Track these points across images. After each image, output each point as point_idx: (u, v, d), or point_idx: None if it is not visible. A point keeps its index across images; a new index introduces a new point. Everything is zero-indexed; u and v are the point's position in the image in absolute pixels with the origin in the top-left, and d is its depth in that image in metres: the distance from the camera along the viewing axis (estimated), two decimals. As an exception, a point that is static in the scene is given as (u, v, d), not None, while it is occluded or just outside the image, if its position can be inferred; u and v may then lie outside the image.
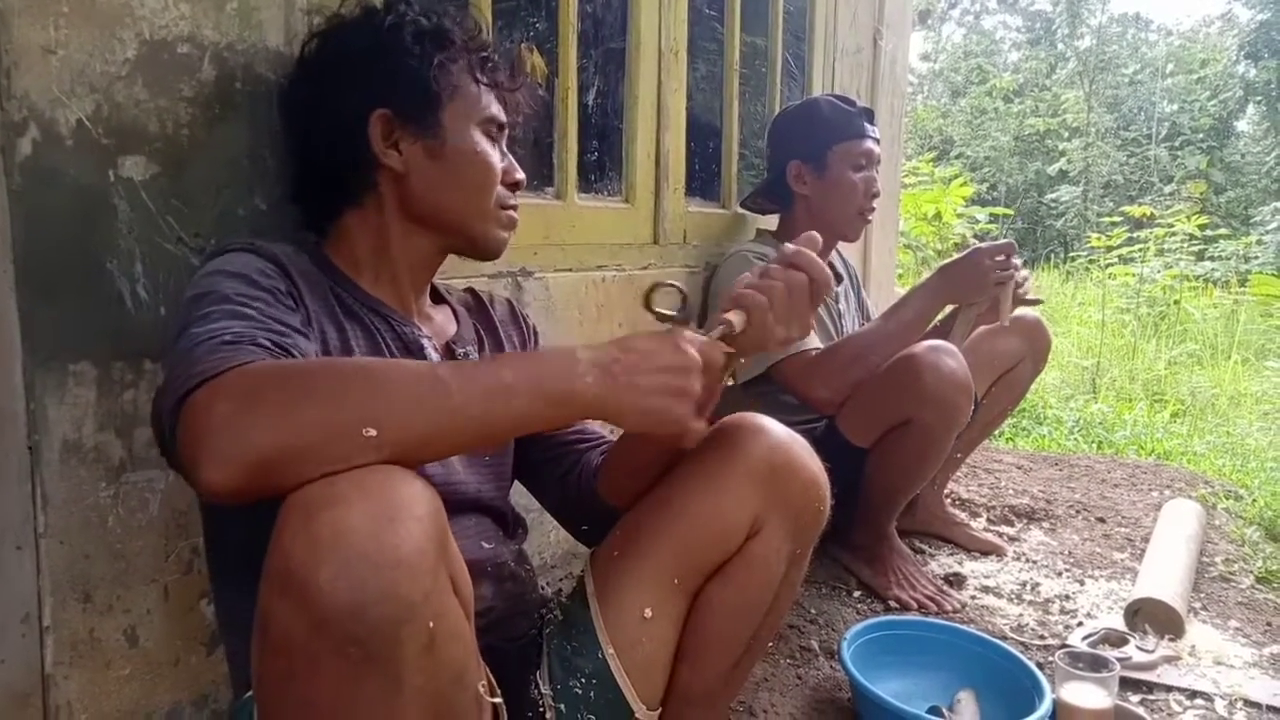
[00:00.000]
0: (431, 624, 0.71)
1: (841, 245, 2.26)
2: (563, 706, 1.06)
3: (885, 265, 3.40)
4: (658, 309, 0.93)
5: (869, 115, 2.13)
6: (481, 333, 1.23)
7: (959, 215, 7.34)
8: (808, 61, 2.87)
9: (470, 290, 1.32)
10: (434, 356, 1.11)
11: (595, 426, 1.26)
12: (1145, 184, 16.45)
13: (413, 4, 1.10)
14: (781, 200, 2.20)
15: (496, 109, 1.12)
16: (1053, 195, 17.28)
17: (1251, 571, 2.22)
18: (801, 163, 2.11)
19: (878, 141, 2.14)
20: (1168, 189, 14.64)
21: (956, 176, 8.49)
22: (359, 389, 0.73)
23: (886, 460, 1.92)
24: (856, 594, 2.02)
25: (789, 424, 2.01)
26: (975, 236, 8.16)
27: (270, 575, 0.68)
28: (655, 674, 1.08)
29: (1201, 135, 16.26)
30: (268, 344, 0.82)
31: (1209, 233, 8.01)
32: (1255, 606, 2.04)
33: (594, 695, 1.05)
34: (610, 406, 0.81)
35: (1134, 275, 6.98)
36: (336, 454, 0.71)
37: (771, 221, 2.30)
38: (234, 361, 0.75)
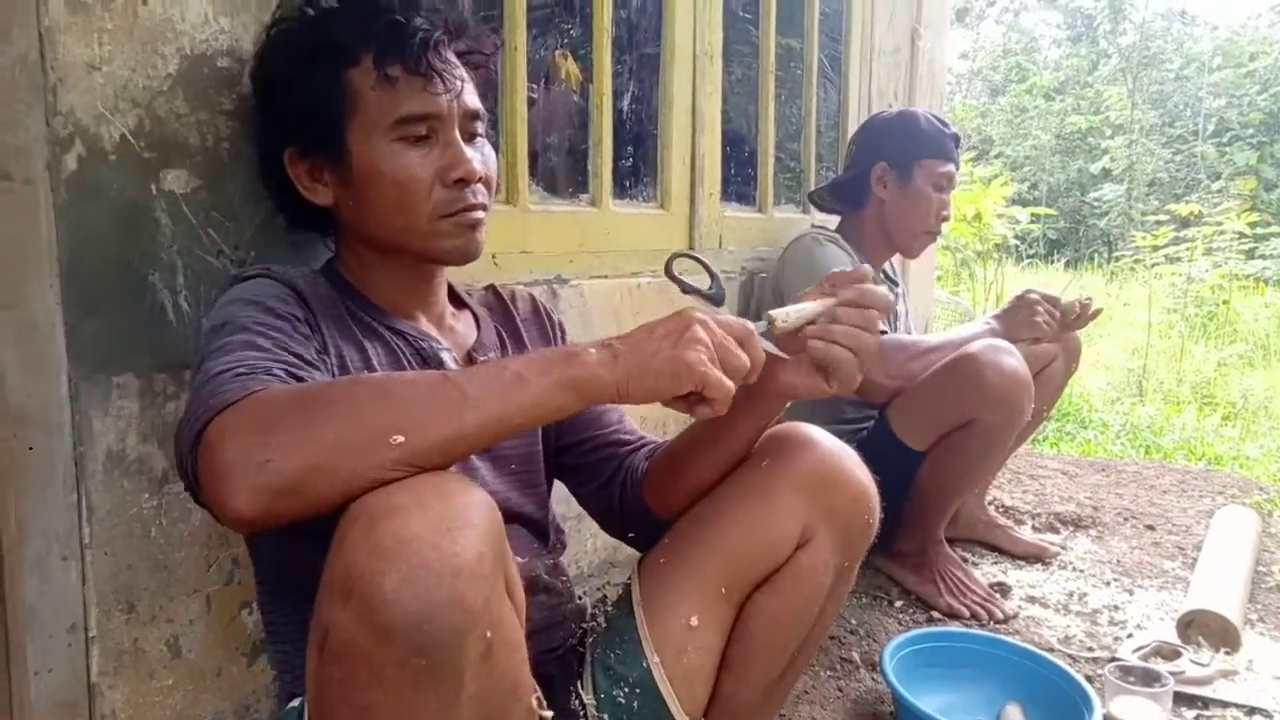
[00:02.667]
0: (489, 633, 0.71)
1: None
2: (605, 716, 1.05)
3: (925, 267, 3.35)
4: (677, 276, 0.90)
5: (956, 140, 2.16)
6: (504, 335, 1.20)
7: (1000, 215, 7.23)
8: (844, 63, 2.84)
9: (492, 288, 1.28)
10: (452, 366, 1.08)
11: (631, 424, 1.24)
12: (1192, 181, 16.08)
13: (304, 11, 1.05)
14: (855, 200, 2.19)
15: (415, 102, 0.98)
16: (1096, 194, 16.95)
17: (1311, 582, 2.15)
18: (888, 167, 2.11)
19: (959, 167, 2.15)
20: (1215, 186, 14.29)
21: (997, 176, 8.37)
22: (374, 401, 0.73)
23: (945, 462, 1.90)
24: (899, 604, 1.99)
25: (838, 420, 2.06)
26: (1016, 237, 8.03)
27: (332, 585, 0.68)
28: (699, 684, 1.06)
29: (1251, 130, 15.86)
30: (281, 373, 0.82)
31: (1260, 230, 7.80)
32: (1315, 619, 1.97)
33: (637, 705, 1.04)
34: (620, 376, 0.80)
35: (1181, 275, 6.83)
36: (360, 469, 0.71)
37: (825, 223, 2.29)
38: (245, 391, 0.75)
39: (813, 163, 2.72)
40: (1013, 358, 1.81)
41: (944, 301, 4.95)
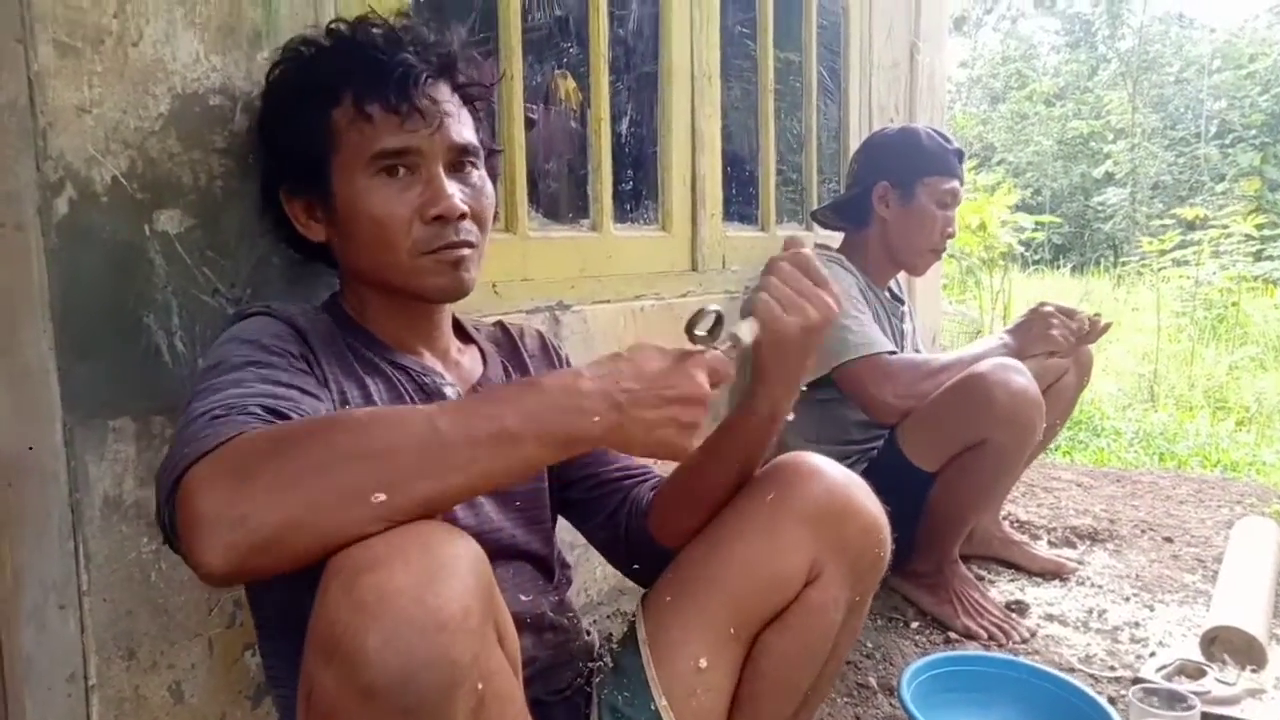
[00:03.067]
0: (480, 685, 0.68)
1: None
2: None
3: (931, 280, 3.33)
4: (697, 331, 0.88)
5: (960, 156, 2.14)
6: (510, 371, 1.18)
7: (1004, 223, 7.21)
8: (843, 77, 2.83)
9: (500, 324, 1.26)
10: (454, 397, 1.06)
11: (638, 461, 1.21)
12: (1196, 184, 16.04)
13: (314, 46, 1.04)
14: (857, 218, 2.18)
15: (387, 138, 0.97)
16: (1099, 198, 16.93)
17: (1335, 593, 2.11)
18: (890, 186, 2.10)
19: (963, 183, 2.12)
20: (1219, 188, 14.25)
21: (1000, 183, 8.34)
22: (354, 453, 0.69)
23: (956, 484, 1.87)
24: (915, 625, 1.96)
25: (846, 442, 2.03)
26: (1021, 244, 8.01)
27: (314, 643, 0.66)
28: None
29: (1254, 131, 15.83)
30: (258, 410, 0.78)
31: (1266, 232, 7.76)
32: (1341, 631, 1.93)
33: None
34: (616, 441, 0.79)
35: (1189, 278, 6.79)
36: (339, 525, 0.67)
37: (829, 239, 2.27)
38: (220, 438, 0.71)
39: (814, 179, 2.71)
40: (1022, 376, 1.78)
41: (950, 313, 4.92)
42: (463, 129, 1.02)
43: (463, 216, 1.00)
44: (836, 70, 2.83)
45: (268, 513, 0.66)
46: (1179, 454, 3.74)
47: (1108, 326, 2.05)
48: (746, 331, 0.93)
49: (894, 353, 1.95)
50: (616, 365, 0.79)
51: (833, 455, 2.05)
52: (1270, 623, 1.90)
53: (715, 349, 0.86)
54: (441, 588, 0.65)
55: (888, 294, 2.23)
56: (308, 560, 0.68)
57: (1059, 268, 12.96)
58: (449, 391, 1.05)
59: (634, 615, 1.10)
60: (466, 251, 1.01)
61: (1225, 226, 7.17)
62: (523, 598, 1.05)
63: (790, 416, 1.06)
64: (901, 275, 2.32)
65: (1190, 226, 7.43)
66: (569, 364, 1.26)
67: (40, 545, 0.99)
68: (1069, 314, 1.99)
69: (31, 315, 0.98)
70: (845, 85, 2.82)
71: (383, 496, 0.68)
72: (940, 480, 1.88)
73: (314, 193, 1.02)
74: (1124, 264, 10.24)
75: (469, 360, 1.14)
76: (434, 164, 0.99)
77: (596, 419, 0.76)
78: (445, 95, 1.02)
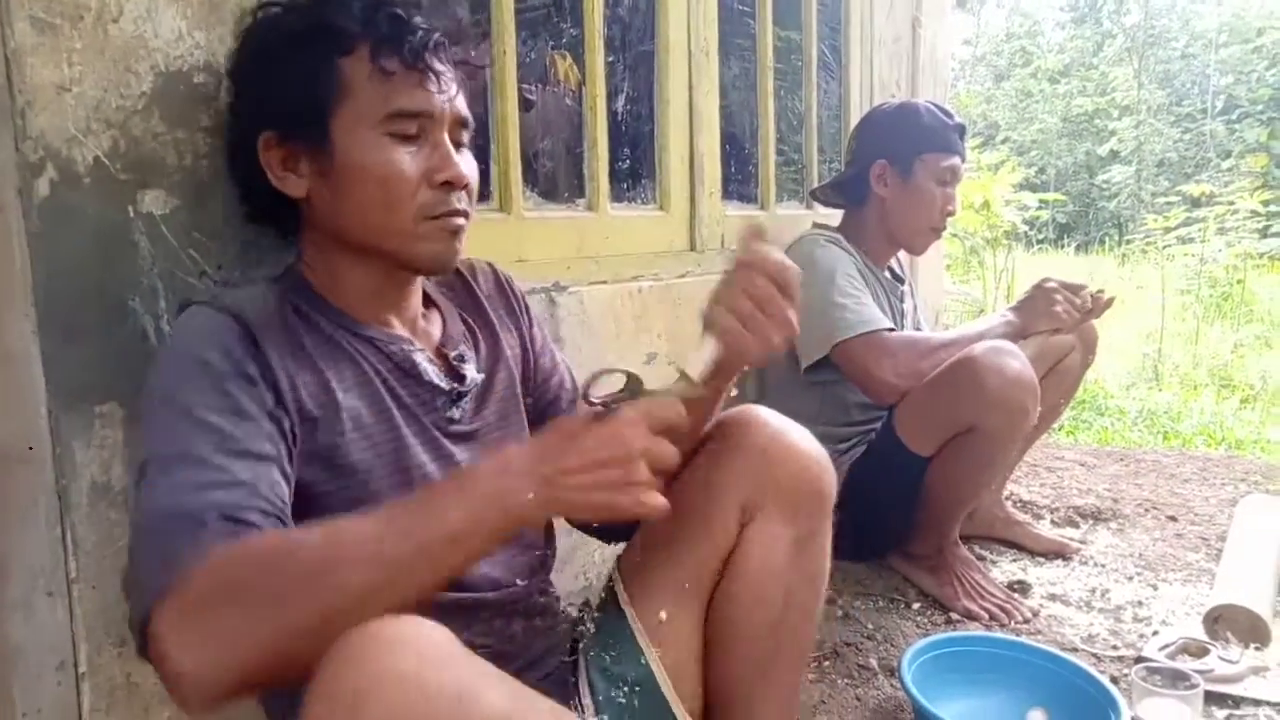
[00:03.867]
0: None
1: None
2: (605, 718, 1.02)
3: (933, 258, 3.30)
4: (594, 399, 0.85)
5: (961, 131, 2.10)
6: (469, 320, 1.12)
7: (1008, 202, 7.16)
8: (844, 53, 2.79)
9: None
10: (427, 368, 1.01)
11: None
12: (1202, 160, 15.93)
13: None
14: (856, 197, 2.15)
15: (403, 98, 0.93)
16: (1104, 176, 16.83)
17: (1340, 571, 2.09)
18: (888, 163, 2.07)
19: (964, 159, 2.09)
20: (1226, 164, 14.14)
21: (1004, 162, 8.27)
22: (310, 590, 0.71)
23: (950, 468, 1.85)
24: (916, 606, 1.94)
25: (848, 423, 2.01)
26: (1025, 223, 7.95)
27: None
28: (685, 680, 1.06)
29: (1261, 107, 15.70)
30: (216, 522, 0.76)
31: (1273, 208, 7.69)
32: (1347, 609, 1.91)
33: (639, 704, 1.03)
34: (558, 512, 0.82)
35: (1194, 255, 6.74)
36: (312, 653, 0.67)
37: (829, 218, 2.24)
38: (178, 568, 0.71)
39: (815, 157, 2.67)
40: (1015, 360, 1.75)
41: (953, 292, 4.89)
42: (464, 102, 1.00)
43: (465, 185, 0.98)
44: (837, 47, 2.79)
45: (240, 661, 0.69)
46: (1183, 433, 3.73)
47: (1111, 301, 2.02)
48: (698, 364, 0.89)
49: (892, 330, 1.93)
50: (545, 440, 0.81)
51: (833, 436, 2.07)
52: (1275, 601, 1.88)
53: (661, 391, 0.85)
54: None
55: (888, 273, 2.20)
56: (293, 681, 0.68)
57: (1063, 247, 12.90)
58: (419, 358, 1.01)
59: (610, 578, 1.13)
60: (463, 221, 0.99)
61: (1231, 203, 7.11)
62: (520, 582, 1.05)
63: (734, 393, 1.07)
64: (903, 254, 2.30)
65: (1196, 203, 7.38)
66: (525, 300, 1.22)
67: (26, 532, 0.98)
68: (1073, 289, 1.96)
69: (13, 299, 0.96)
70: (846, 62, 2.78)
71: (351, 618, 0.67)
72: (935, 464, 1.86)
73: (303, 143, 0.95)
74: (1128, 242, 10.18)
75: (433, 325, 1.09)
76: (442, 130, 0.96)
77: (530, 496, 0.77)
78: (451, 65, 0.99)
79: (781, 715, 1.11)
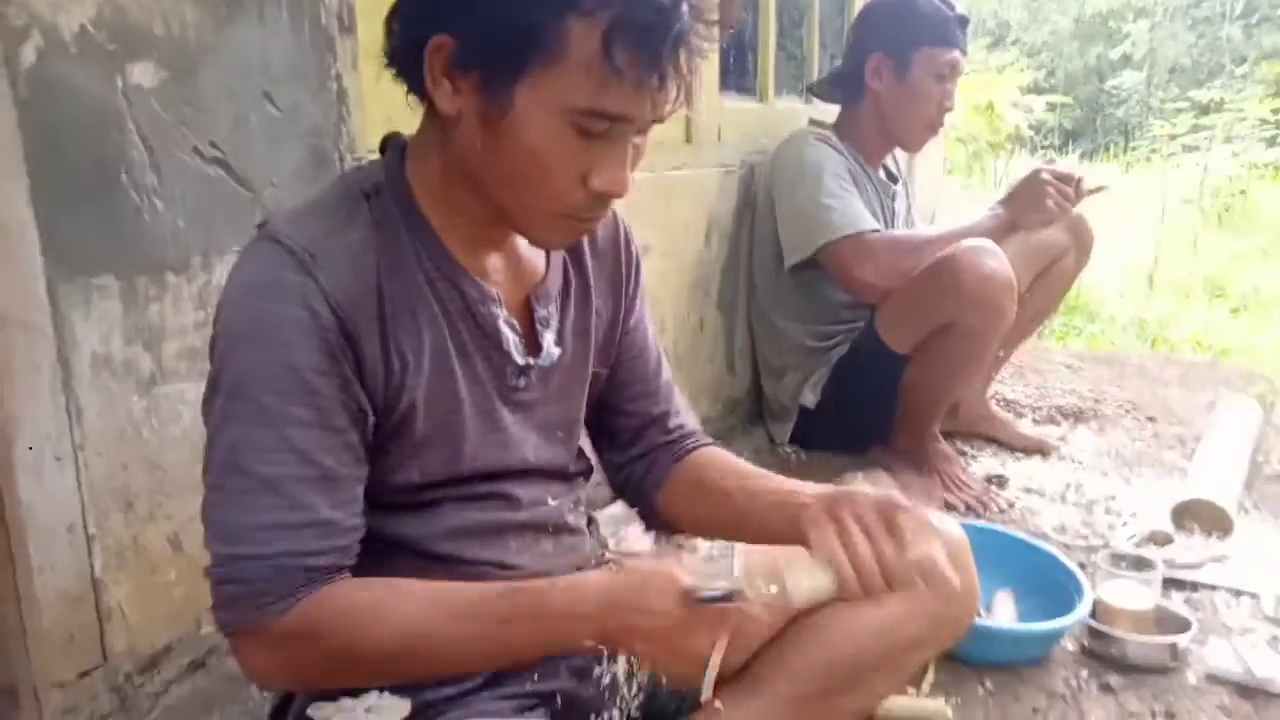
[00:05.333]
0: None
1: None
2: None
3: (932, 158, 3.28)
4: (701, 597, 0.83)
5: (963, 23, 2.03)
6: (570, 276, 1.02)
7: (1014, 105, 7.04)
8: (850, -59, 2.70)
9: None
10: (508, 336, 0.94)
11: (680, 404, 1.16)
12: (1215, 66, 15.53)
13: None
14: (851, 93, 2.12)
15: (614, 101, 0.78)
16: (1114, 81, 16.44)
17: (1308, 470, 2.16)
18: (884, 57, 2.02)
19: (965, 53, 2.04)
20: (1239, 71, 13.80)
21: (1012, 63, 8.07)
22: (378, 670, 0.84)
23: (928, 365, 1.88)
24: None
25: (835, 321, 2.04)
26: (1030, 127, 7.82)
27: None
28: (738, 653, 1.04)
29: (1281, 10, 15.23)
30: (300, 570, 0.80)
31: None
32: (1310, 505, 1.99)
33: None
34: (604, 649, 0.86)
35: (1199, 164, 6.67)
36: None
37: (824, 114, 2.22)
38: (274, 609, 0.79)
39: (816, 51, 2.62)
40: (993, 259, 1.76)
41: (953, 194, 4.86)
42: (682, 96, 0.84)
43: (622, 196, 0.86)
44: (843, -67, 2.70)
45: (306, 688, 0.88)
46: (1172, 340, 3.77)
47: (1099, 189, 1.98)
48: (800, 588, 0.85)
49: (877, 231, 1.93)
50: (629, 593, 0.82)
51: (819, 334, 2.10)
52: (1240, 495, 1.95)
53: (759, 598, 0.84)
54: None
55: (882, 172, 2.19)
56: None
57: (1068, 152, 12.70)
58: (503, 326, 0.93)
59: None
60: (597, 225, 0.92)
61: (1240, 109, 7.00)
62: (551, 501, 1.03)
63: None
64: (901, 154, 2.28)
65: (1205, 110, 7.26)
66: (639, 266, 1.11)
67: (32, 398, 1.01)
68: (1065, 179, 1.89)
69: (6, 168, 0.96)
70: (853, -51, 2.70)
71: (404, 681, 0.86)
72: (914, 362, 1.90)
73: (486, 77, 0.80)
74: (1134, 149, 10.04)
75: (532, 260, 0.99)
76: (629, 137, 0.83)
77: (589, 642, 0.82)
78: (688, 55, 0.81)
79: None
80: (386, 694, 0.87)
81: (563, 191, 0.83)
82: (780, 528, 0.94)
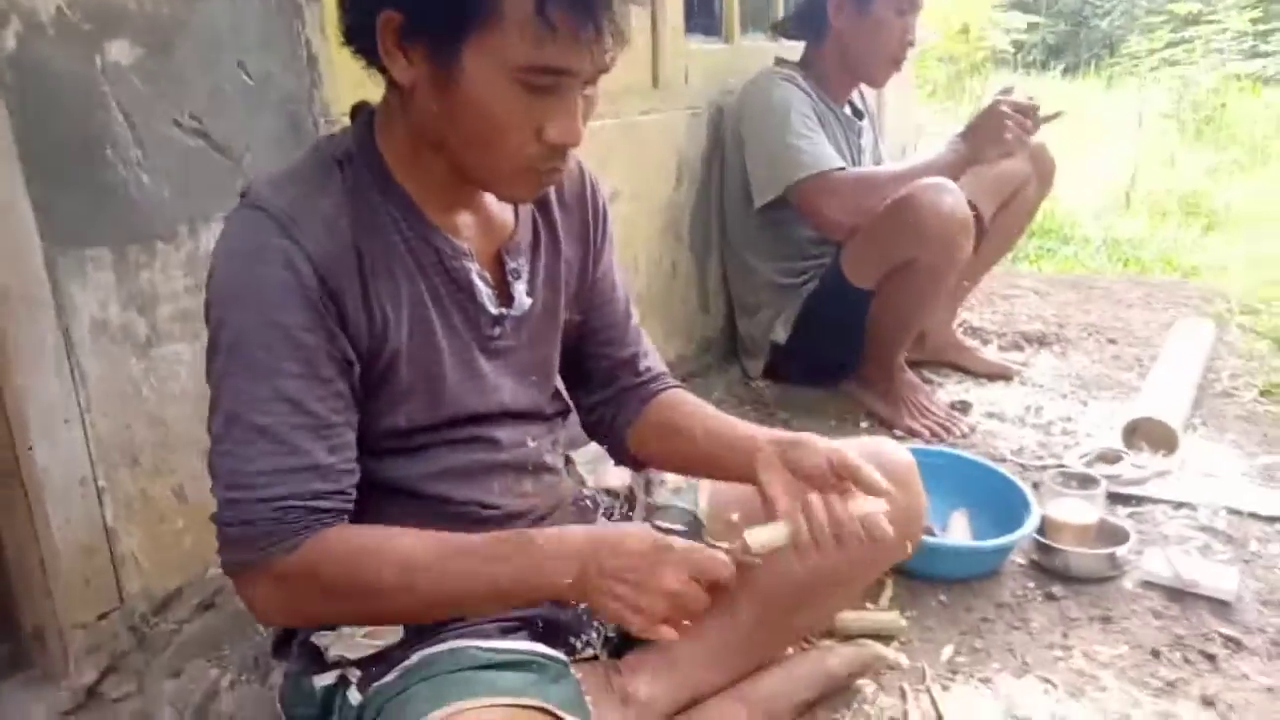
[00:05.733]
0: None
1: None
2: None
3: (904, 89, 3.30)
4: (658, 525, 0.91)
5: None
6: (539, 228, 1.07)
7: (995, 23, 6.99)
8: None
9: None
10: (481, 289, 0.99)
11: (647, 346, 1.21)
12: (1204, -27, 15.25)
13: None
14: (814, 30, 2.14)
15: (554, 55, 0.81)
16: (1099, -8, 16.14)
17: (1256, 385, 2.27)
18: None
19: None
20: (1227, -22, 13.59)
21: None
22: (375, 604, 0.89)
23: (890, 300, 1.96)
24: (864, 425, 2.11)
25: (804, 257, 2.11)
26: (1011, 45, 7.75)
27: None
28: None
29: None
30: (299, 511, 0.86)
31: (1261, 27, 7.51)
32: (1254, 419, 2.10)
33: None
34: (580, 599, 0.92)
35: (1179, 78, 6.65)
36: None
37: (791, 51, 2.24)
38: (278, 548, 0.85)
39: (782, -14, 2.63)
40: (950, 196, 1.82)
41: (926, 124, 4.85)
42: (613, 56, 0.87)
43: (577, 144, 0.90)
44: None
45: (306, 623, 0.97)
46: (1144, 260, 3.83)
47: (1056, 115, 2.01)
48: (761, 539, 0.92)
49: (842, 168, 1.98)
50: (600, 539, 0.88)
51: (788, 271, 2.17)
52: (1188, 414, 2.06)
53: (719, 547, 0.90)
54: None
55: (848, 108, 2.23)
56: None
57: (1050, 69, 12.55)
58: (475, 279, 0.99)
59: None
60: (559, 175, 0.94)
61: (1217, 22, 6.96)
62: (531, 442, 1.09)
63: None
64: (866, 88, 2.32)
65: (1185, 22, 7.21)
66: (606, 217, 1.16)
67: (39, 367, 1.08)
68: (1023, 110, 1.92)
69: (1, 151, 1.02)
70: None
71: (402, 619, 0.95)
72: (877, 296, 1.98)
73: (428, 47, 0.84)
74: (1115, 65, 9.94)
75: (502, 214, 1.04)
76: (577, 89, 0.86)
77: (569, 581, 0.87)
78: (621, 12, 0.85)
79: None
80: None
81: (520, 146, 0.87)
82: (736, 468, 1.02)
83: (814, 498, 0.93)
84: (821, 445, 0.97)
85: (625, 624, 0.88)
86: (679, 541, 0.89)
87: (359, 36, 0.88)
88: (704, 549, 0.89)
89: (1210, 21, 7.03)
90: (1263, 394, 2.23)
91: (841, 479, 0.94)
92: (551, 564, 0.88)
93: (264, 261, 0.85)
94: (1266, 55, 8.69)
